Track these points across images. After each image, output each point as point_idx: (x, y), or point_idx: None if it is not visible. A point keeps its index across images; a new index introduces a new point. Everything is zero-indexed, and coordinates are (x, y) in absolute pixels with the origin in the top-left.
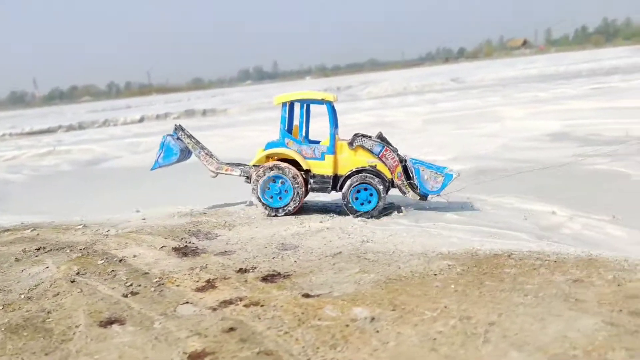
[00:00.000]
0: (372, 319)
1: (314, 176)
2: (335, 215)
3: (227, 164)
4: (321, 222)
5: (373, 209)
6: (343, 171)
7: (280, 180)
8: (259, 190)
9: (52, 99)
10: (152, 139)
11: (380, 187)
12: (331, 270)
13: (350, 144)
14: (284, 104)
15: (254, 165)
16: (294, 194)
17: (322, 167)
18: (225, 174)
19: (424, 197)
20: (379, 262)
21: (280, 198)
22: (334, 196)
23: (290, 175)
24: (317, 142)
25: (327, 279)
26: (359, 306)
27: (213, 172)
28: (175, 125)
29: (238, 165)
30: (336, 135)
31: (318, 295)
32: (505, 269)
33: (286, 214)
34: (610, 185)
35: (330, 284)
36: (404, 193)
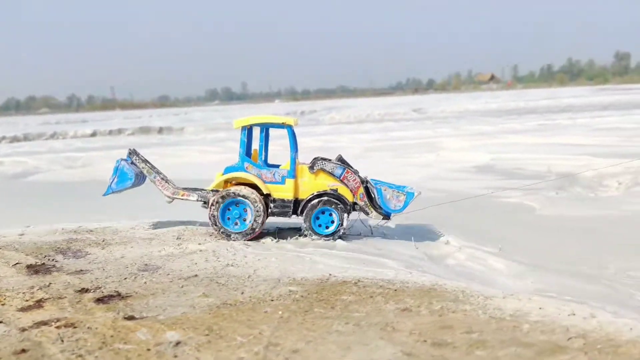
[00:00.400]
0: (178, 343)
1: (274, 200)
2: (218, 239)
3: (184, 188)
4: (199, 244)
5: (334, 232)
6: (304, 195)
7: (240, 205)
8: (218, 215)
9: (7, 109)
10: (91, 154)
11: (342, 210)
12: (175, 293)
13: (311, 167)
14: (243, 128)
15: (212, 190)
16: (254, 218)
17: (283, 191)
18: (182, 199)
19: (387, 216)
20: (227, 286)
21: (237, 223)
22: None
23: (251, 200)
24: (277, 166)
25: (165, 301)
26: (173, 330)
27: (169, 197)
28: (130, 149)
29: (195, 189)
30: (296, 159)
31: (142, 318)
32: (343, 295)
33: (244, 239)
34: (514, 218)
35: (165, 307)
36: (367, 213)
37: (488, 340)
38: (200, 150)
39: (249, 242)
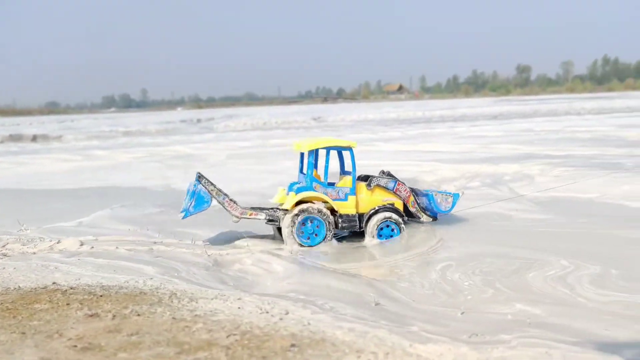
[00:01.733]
0: None
1: (341, 216)
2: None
3: (251, 208)
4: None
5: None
6: (364, 210)
7: (314, 222)
8: (294, 231)
9: None
10: None
11: (398, 221)
12: None
13: (368, 185)
14: (311, 151)
15: (280, 209)
16: (326, 233)
17: (347, 207)
18: (250, 218)
19: (435, 217)
20: None
21: (309, 238)
22: None
23: (324, 217)
24: (333, 185)
25: None
26: None
27: (237, 217)
28: (198, 173)
29: (262, 209)
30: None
31: None
32: (37, 304)
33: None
34: None
35: None
36: (419, 218)
37: (145, 341)
38: (58, 158)
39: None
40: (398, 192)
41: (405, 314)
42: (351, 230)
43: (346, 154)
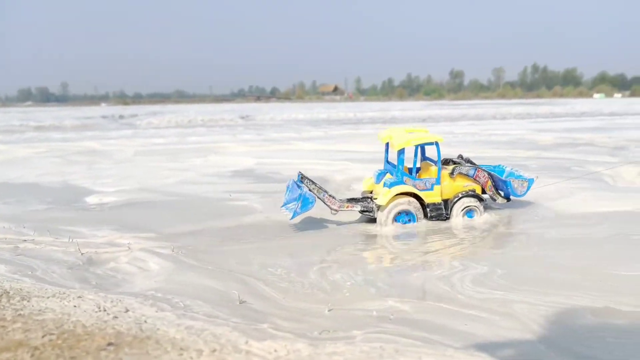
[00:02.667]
0: None
1: (428, 205)
2: None
3: (348, 200)
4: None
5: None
6: (447, 196)
7: (409, 214)
8: (389, 221)
9: None
10: None
11: (479, 205)
12: None
13: (451, 173)
14: (402, 148)
15: (375, 201)
16: (417, 218)
17: (433, 196)
18: (347, 210)
19: (508, 199)
20: None
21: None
22: None
23: (415, 209)
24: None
25: None
26: None
27: (335, 210)
28: (300, 173)
29: (357, 201)
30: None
31: None
32: None
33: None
34: (235, 220)
35: None
36: (494, 200)
37: None
38: None
39: None
40: (477, 178)
41: (268, 311)
42: (439, 218)
43: (430, 147)
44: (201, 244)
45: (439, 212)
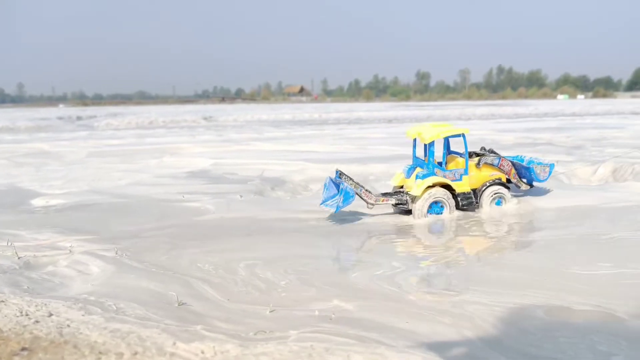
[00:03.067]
0: None
1: (459, 195)
2: None
3: (382, 194)
4: None
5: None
6: (475, 186)
7: (438, 203)
8: (426, 209)
9: None
10: None
11: (505, 191)
12: None
13: (477, 164)
14: (432, 141)
15: (407, 193)
16: (449, 209)
17: (462, 186)
18: (382, 204)
19: (531, 185)
20: None
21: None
22: None
23: (447, 199)
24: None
25: None
26: None
27: (372, 203)
28: (338, 171)
29: (391, 195)
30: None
31: None
32: None
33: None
34: (183, 220)
35: None
36: (519, 187)
37: None
38: None
39: None
40: (502, 167)
41: (207, 313)
42: (469, 206)
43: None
44: (147, 245)
45: (469, 200)
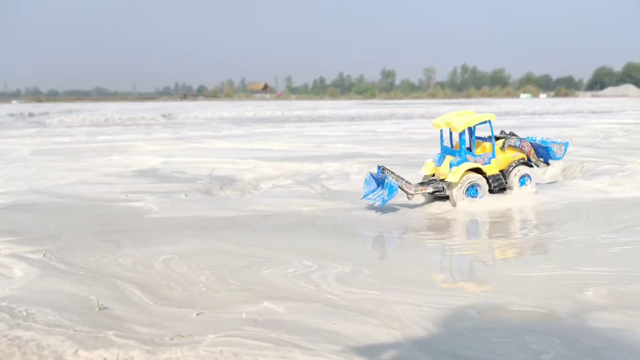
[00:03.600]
0: None
1: (490, 177)
2: None
3: (420, 184)
4: None
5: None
6: (502, 167)
7: (474, 186)
8: (464, 193)
9: None
10: None
11: (531, 171)
12: None
13: (502, 147)
14: (463, 131)
15: (442, 180)
16: (484, 192)
17: (491, 169)
18: (421, 193)
19: (548, 164)
20: None
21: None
22: None
23: (481, 182)
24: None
25: None
26: None
27: (412, 194)
28: (379, 165)
29: (428, 183)
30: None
31: None
32: None
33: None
34: (124, 221)
35: None
36: (537, 166)
37: None
38: None
39: None
40: (523, 148)
41: (128, 317)
42: (500, 187)
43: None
44: (79, 247)
45: (500, 182)
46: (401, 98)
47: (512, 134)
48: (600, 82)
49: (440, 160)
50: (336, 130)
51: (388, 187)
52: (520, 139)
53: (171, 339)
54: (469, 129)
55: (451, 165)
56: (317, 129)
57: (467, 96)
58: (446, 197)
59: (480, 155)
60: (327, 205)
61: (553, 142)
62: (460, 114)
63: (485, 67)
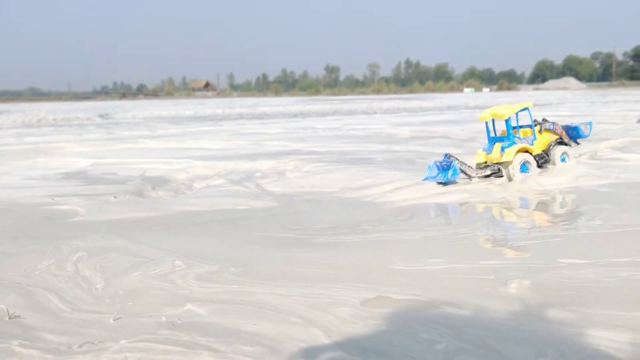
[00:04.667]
0: None
1: (536, 156)
2: None
3: (479, 168)
4: None
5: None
6: (543, 148)
7: (525, 164)
8: (517, 171)
9: None
10: None
11: (568, 150)
12: None
13: (540, 131)
14: (509, 118)
15: (496, 163)
16: (533, 168)
17: (536, 149)
18: (481, 176)
19: (577, 142)
20: None
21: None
22: None
23: (531, 159)
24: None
25: None
26: None
27: (473, 177)
28: (446, 153)
29: (486, 166)
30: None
31: None
32: None
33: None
34: (49, 224)
35: None
36: (569, 145)
37: None
38: None
39: None
40: (556, 131)
41: (40, 326)
42: (545, 163)
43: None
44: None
45: (544, 159)
46: (346, 94)
47: (544, 120)
48: (542, 75)
49: (490, 149)
50: (275, 128)
51: (453, 168)
52: (553, 123)
53: (79, 346)
54: (514, 116)
55: (503, 149)
56: (256, 126)
57: (412, 91)
58: (501, 176)
59: (524, 139)
60: (258, 204)
61: (583, 123)
62: (504, 106)
63: (429, 61)
